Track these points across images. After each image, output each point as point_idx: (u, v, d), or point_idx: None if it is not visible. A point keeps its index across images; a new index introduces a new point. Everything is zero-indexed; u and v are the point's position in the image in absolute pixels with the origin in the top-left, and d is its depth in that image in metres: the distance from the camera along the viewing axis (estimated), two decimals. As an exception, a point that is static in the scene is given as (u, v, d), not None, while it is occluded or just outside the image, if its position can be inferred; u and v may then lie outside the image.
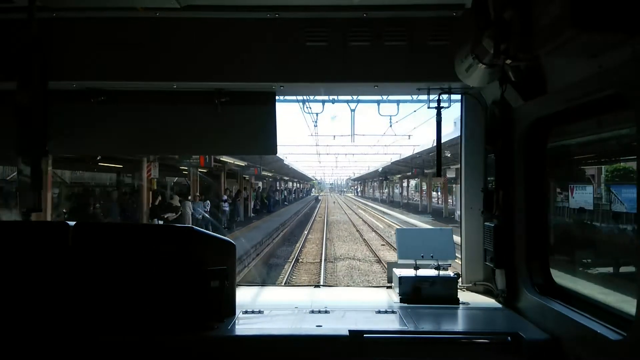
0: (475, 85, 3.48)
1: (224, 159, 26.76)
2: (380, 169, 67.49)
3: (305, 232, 34.49)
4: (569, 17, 2.04)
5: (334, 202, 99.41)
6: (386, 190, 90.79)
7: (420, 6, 3.55)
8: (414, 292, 3.72)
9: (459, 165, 4.29)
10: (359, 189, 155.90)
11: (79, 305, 2.95)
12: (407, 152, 45.78)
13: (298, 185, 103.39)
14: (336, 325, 3.12)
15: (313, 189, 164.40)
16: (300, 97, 20.76)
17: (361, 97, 22.39)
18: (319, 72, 3.74)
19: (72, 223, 3.10)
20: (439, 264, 3.84)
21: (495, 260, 3.58)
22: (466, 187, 4.09)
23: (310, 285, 4.42)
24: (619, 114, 2.77)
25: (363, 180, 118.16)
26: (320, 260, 22.84)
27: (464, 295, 3.86)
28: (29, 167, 2.88)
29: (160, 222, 19.21)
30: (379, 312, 3.45)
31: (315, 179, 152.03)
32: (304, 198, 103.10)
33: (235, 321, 3.19)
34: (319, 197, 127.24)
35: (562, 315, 2.85)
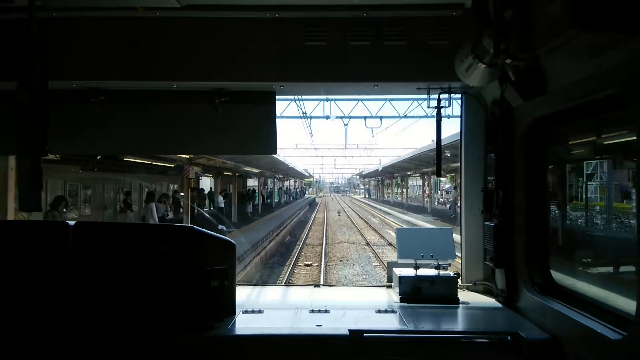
0: (475, 85, 3.47)
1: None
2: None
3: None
4: (569, 17, 2.04)
5: (339, 212, 56.13)
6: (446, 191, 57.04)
7: (420, 6, 3.55)
8: (414, 292, 3.72)
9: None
10: (370, 189, 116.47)
11: (79, 305, 2.96)
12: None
13: (282, 184, 68.66)
14: (336, 325, 3.12)
15: (310, 189, 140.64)
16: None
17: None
18: (318, 72, 3.74)
19: (72, 223, 3.10)
20: (439, 263, 3.84)
21: (495, 259, 3.58)
22: (466, 186, 4.09)
23: (310, 285, 4.42)
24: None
25: (390, 174, 67.95)
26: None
27: (463, 295, 3.86)
28: (29, 167, 2.88)
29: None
30: (379, 311, 3.45)
31: (312, 176, 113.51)
32: (291, 204, 66.80)
33: (235, 321, 3.20)
34: (317, 200, 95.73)
35: (562, 315, 2.85)
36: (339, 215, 51.39)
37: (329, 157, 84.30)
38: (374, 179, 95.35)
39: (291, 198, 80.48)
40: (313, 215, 52.66)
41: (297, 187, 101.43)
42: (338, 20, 3.65)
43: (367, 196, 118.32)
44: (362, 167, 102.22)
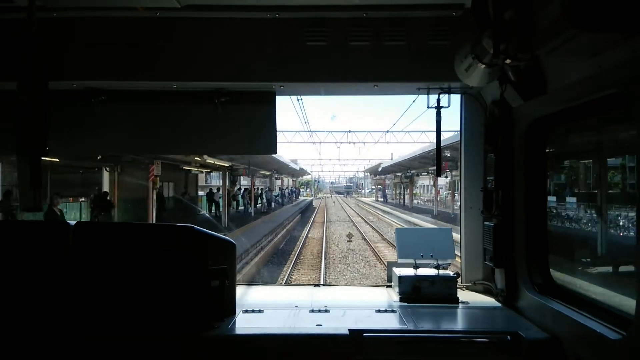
0: (475, 85, 3.48)
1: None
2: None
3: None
4: (569, 17, 2.04)
5: (350, 235, 26.92)
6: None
7: (420, 6, 3.55)
8: (414, 291, 3.72)
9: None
10: (386, 191, 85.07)
11: (79, 304, 2.96)
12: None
13: (250, 182, 41.82)
14: (336, 325, 3.12)
15: (308, 190, 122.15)
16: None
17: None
18: (319, 72, 3.75)
19: (72, 223, 3.10)
20: (439, 263, 3.84)
21: (494, 259, 3.59)
22: (466, 186, 4.10)
23: (310, 285, 4.42)
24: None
25: (452, 160, 29.22)
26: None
27: (463, 295, 3.87)
28: (29, 167, 2.88)
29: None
30: (379, 311, 3.45)
31: (306, 171, 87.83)
32: (266, 217, 36.06)
33: (235, 320, 3.20)
34: (314, 204, 73.62)
35: (561, 315, 2.86)
36: (349, 243, 26.04)
37: (330, 143, 55.93)
38: (399, 174, 58.94)
39: (272, 205, 50.01)
40: (299, 242, 27.37)
41: (284, 187, 73.15)
42: (338, 20, 3.65)
43: (380, 199, 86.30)
44: (368, 163, 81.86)
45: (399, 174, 58.66)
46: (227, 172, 33.10)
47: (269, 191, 52.22)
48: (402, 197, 65.57)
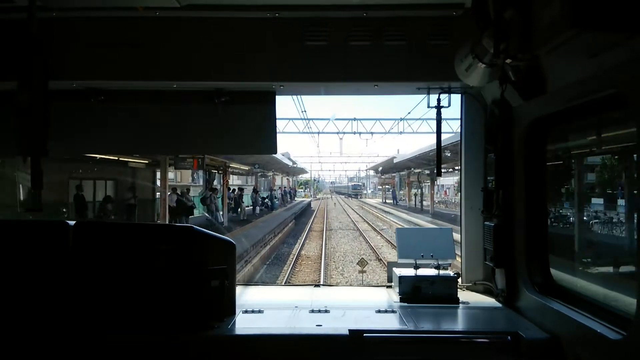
0: (475, 85, 3.48)
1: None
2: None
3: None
4: (569, 17, 2.05)
5: (362, 262, 13.61)
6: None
7: (420, 5, 3.56)
8: (414, 292, 3.72)
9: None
10: (395, 191, 73.26)
11: (79, 305, 2.96)
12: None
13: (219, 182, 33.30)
14: (336, 325, 3.12)
15: (307, 190, 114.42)
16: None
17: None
18: (319, 72, 3.75)
19: (72, 223, 3.10)
20: (439, 263, 3.84)
21: (495, 259, 3.59)
22: (466, 186, 4.10)
23: (310, 285, 4.43)
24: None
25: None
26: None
27: (463, 295, 3.87)
28: (29, 167, 2.88)
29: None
30: (379, 311, 3.45)
31: (303, 169, 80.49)
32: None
33: (235, 320, 3.20)
34: (312, 207, 65.29)
35: (561, 315, 2.86)
36: (362, 274, 14.43)
37: (331, 134, 46.48)
38: (417, 171, 48.35)
39: (257, 210, 40.19)
40: (286, 268, 19.85)
41: (276, 186, 59.90)
42: (338, 20, 3.65)
43: (388, 201, 75.68)
44: (372, 161, 77.03)
45: (417, 170, 48.04)
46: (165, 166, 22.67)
47: (254, 192, 42.16)
48: (415, 198, 55.92)
